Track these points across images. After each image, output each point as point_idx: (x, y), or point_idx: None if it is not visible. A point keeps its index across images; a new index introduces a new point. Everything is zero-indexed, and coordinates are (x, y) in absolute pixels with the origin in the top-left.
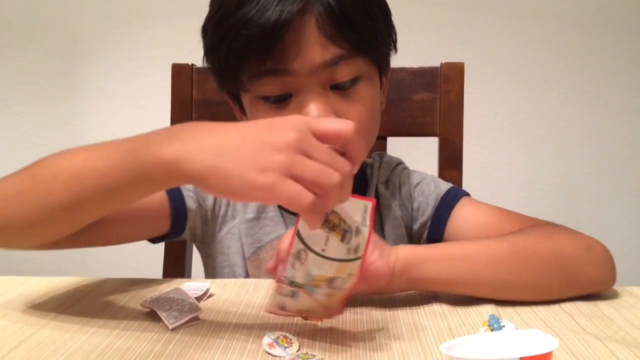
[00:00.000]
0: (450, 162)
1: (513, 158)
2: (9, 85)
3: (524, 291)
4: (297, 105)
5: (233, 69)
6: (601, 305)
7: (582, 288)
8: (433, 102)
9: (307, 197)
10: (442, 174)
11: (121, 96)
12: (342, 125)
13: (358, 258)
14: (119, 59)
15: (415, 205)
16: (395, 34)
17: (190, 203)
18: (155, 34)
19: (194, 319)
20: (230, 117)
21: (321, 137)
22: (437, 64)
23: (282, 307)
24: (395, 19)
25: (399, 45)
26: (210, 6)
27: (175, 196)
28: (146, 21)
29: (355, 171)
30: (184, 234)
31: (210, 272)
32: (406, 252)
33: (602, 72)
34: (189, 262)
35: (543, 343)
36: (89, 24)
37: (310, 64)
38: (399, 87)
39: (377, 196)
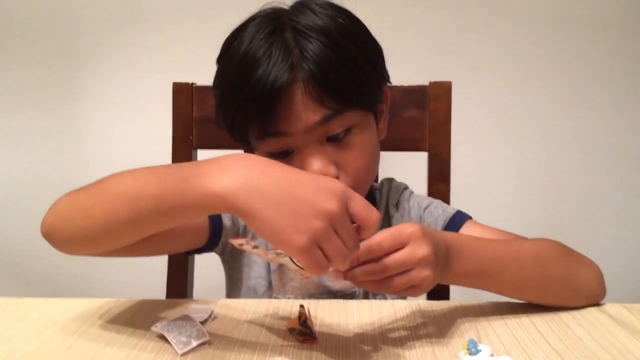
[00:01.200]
0: (439, 177)
1: (501, 160)
2: (10, 87)
3: (537, 295)
4: (299, 159)
5: (240, 135)
6: (572, 324)
7: (583, 300)
8: (422, 119)
9: (325, 269)
10: (431, 188)
11: (121, 99)
12: (371, 214)
13: None
14: (119, 62)
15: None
16: (387, 74)
17: (226, 221)
18: (155, 36)
19: (201, 345)
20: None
21: (351, 214)
22: (427, 82)
23: (240, 245)
24: (385, 39)
25: (389, 64)
26: (217, 66)
27: (214, 214)
28: (146, 25)
29: None
30: (216, 248)
31: (235, 283)
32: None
33: (589, 73)
34: (191, 276)
35: None
36: (89, 27)
37: (303, 126)
38: (390, 104)
39: (389, 217)
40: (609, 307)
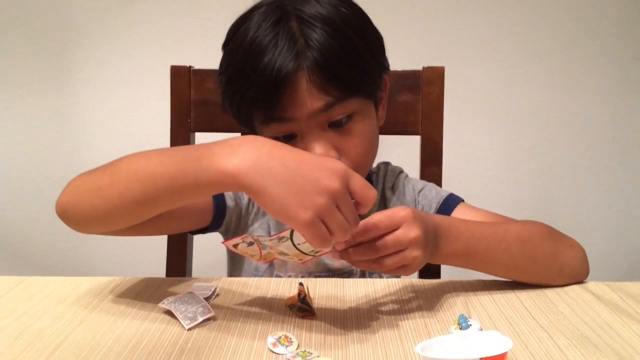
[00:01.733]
0: (431, 160)
1: (492, 144)
2: (2, 69)
3: (523, 274)
4: (302, 144)
5: (246, 120)
6: (556, 300)
7: (567, 278)
8: (415, 104)
9: (328, 242)
10: (424, 170)
11: (114, 81)
12: (369, 192)
13: (314, 255)
14: (111, 44)
15: (419, 208)
16: (387, 63)
17: (229, 201)
18: (150, 17)
19: (206, 320)
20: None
21: (351, 191)
22: (420, 67)
23: (235, 246)
24: (379, 24)
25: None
26: (222, 53)
27: (218, 195)
28: (141, 5)
29: None
30: (220, 228)
31: (237, 263)
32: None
33: (578, 59)
34: (190, 255)
35: (500, 344)
36: (82, 7)
37: (306, 112)
38: None
39: (385, 200)
40: (591, 285)
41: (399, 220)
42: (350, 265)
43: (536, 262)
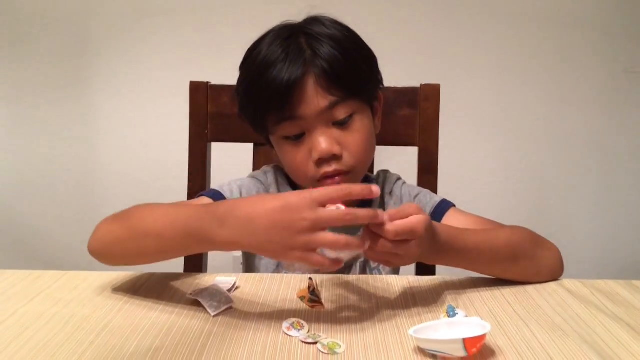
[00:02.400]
0: (428, 169)
1: (486, 154)
2: (23, 79)
3: (505, 274)
4: (310, 140)
5: (261, 120)
6: (535, 295)
7: (544, 276)
8: (413, 117)
9: (327, 263)
10: (421, 179)
11: (131, 91)
12: (337, 192)
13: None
14: (129, 55)
15: None
16: (380, 76)
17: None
18: (164, 30)
19: (228, 308)
20: (239, 127)
21: (329, 202)
22: (418, 84)
23: None
24: (380, 46)
25: (383, 68)
26: (239, 72)
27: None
28: (156, 18)
29: (359, 178)
30: None
31: (250, 262)
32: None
33: (568, 73)
34: (206, 255)
35: (480, 328)
36: (100, 20)
37: (314, 110)
38: (385, 104)
39: (384, 204)
40: (567, 282)
41: (415, 235)
42: (352, 259)
43: (518, 265)
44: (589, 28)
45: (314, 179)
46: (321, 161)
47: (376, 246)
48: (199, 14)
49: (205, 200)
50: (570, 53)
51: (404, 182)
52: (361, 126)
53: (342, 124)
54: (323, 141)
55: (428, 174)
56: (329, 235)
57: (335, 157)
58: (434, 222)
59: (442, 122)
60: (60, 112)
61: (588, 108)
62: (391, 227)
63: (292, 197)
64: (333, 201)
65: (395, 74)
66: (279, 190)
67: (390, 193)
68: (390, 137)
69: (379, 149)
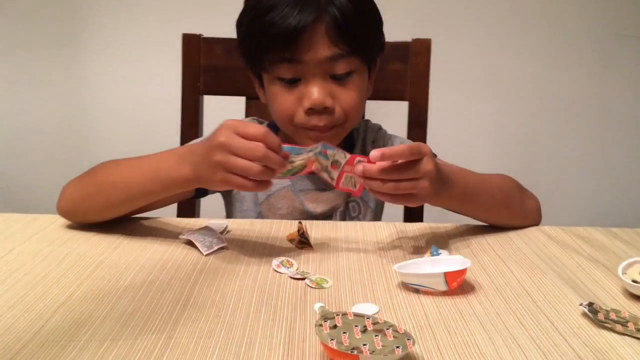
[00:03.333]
0: (417, 123)
1: (477, 111)
2: (11, 35)
3: (499, 218)
4: (304, 87)
5: (259, 56)
6: (515, 239)
7: (529, 222)
8: (404, 72)
9: (249, 184)
10: (410, 132)
11: (122, 45)
12: (256, 130)
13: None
14: (120, 9)
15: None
16: (384, 40)
17: None
18: None
19: (220, 249)
20: (232, 80)
21: (246, 136)
22: (409, 39)
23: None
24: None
25: None
26: (244, 4)
27: None
28: None
29: (345, 133)
30: (209, 192)
31: (229, 214)
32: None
33: (560, 34)
34: (198, 202)
35: (461, 263)
36: None
37: (317, 58)
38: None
39: (365, 152)
40: (547, 228)
41: (424, 153)
42: (331, 210)
43: (511, 208)
44: None
45: (299, 126)
46: (311, 111)
47: (391, 173)
48: None
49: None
50: (562, 15)
51: (386, 132)
52: (357, 85)
53: (339, 79)
54: (317, 91)
55: (417, 128)
56: (239, 161)
57: (327, 110)
58: (438, 159)
59: (433, 77)
60: (51, 67)
61: (579, 69)
62: (396, 147)
63: (218, 126)
64: (247, 133)
65: (387, 27)
66: None
67: (373, 142)
68: (381, 91)
69: (370, 103)
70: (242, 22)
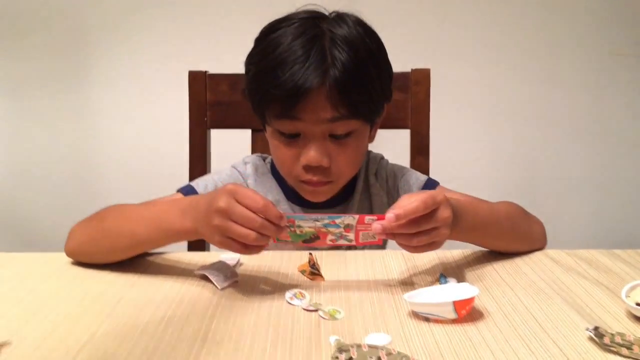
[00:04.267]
0: (419, 150)
1: (476, 136)
2: (20, 72)
3: (508, 245)
4: (303, 144)
5: (262, 109)
6: (520, 264)
7: (536, 247)
8: (405, 101)
9: (245, 251)
10: (413, 160)
11: (128, 83)
12: (254, 203)
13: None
14: (126, 47)
15: (401, 192)
16: (390, 92)
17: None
18: (160, 21)
19: (234, 282)
20: (237, 114)
21: (245, 205)
22: (409, 69)
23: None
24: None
25: None
26: (254, 46)
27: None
28: (152, 10)
29: (339, 188)
30: None
31: None
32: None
33: (554, 56)
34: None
35: (469, 291)
36: (97, 12)
37: (316, 118)
38: None
39: (368, 185)
40: (551, 252)
41: (439, 202)
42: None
43: (518, 235)
44: (574, 11)
45: (297, 178)
46: (308, 167)
47: (411, 241)
48: (194, 4)
49: (178, 196)
50: (556, 36)
51: (388, 162)
52: (355, 145)
53: (338, 138)
54: (314, 151)
55: (420, 156)
56: (237, 228)
57: (322, 168)
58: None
59: (433, 105)
60: (58, 105)
61: (574, 90)
62: (410, 205)
63: (219, 188)
64: (247, 204)
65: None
66: (257, 181)
67: (376, 174)
68: (383, 121)
69: None
70: (250, 68)
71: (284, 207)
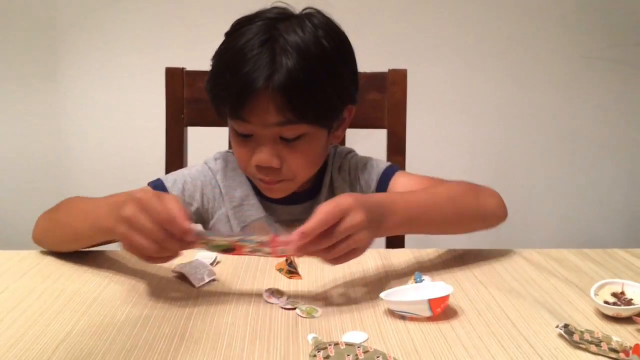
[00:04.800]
0: (396, 150)
1: (452, 135)
2: None
3: (455, 228)
4: (255, 144)
5: (219, 110)
6: (494, 263)
7: (491, 221)
8: (382, 101)
9: (148, 260)
10: (389, 159)
11: (103, 79)
12: (159, 215)
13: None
14: (97, 40)
15: (363, 183)
16: (355, 98)
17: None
18: (138, 17)
19: (212, 281)
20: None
21: (149, 214)
22: (386, 69)
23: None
24: (349, 32)
25: (355, 52)
26: (223, 40)
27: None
28: (128, 5)
29: (296, 186)
30: None
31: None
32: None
33: (531, 56)
34: None
35: (443, 290)
36: (69, 6)
37: (264, 122)
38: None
39: (332, 180)
40: (523, 251)
41: (346, 209)
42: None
43: (464, 215)
44: (546, 15)
45: (252, 175)
46: (259, 167)
47: (329, 254)
48: None
49: (147, 189)
50: (528, 39)
51: (354, 155)
52: (306, 148)
53: (288, 141)
54: (264, 153)
55: (397, 155)
56: (138, 239)
57: (273, 169)
58: (370, 195)
59: (409, 105)
60: (30, 101)
61: (547, 92)
62: (317, 215)
63: (135, 192)
64: (151, 215)
65: (364, 59)
66: (226, 176)
67: (339, 168)
68: (359, 121)
69: (349, 132)
70: (211, 65)
71: (253, 201)
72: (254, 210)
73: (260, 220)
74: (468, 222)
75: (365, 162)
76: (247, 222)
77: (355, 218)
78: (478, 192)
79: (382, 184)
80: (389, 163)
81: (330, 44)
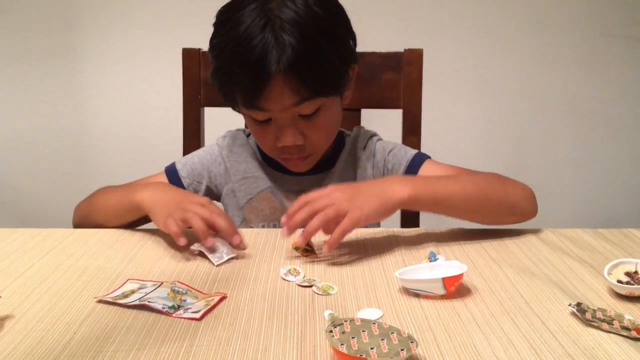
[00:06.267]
0: (412, 130)
1: (468, 115)
2: (10, 48)
3: (478, 215)
4: (275, 128)
5: (231, 102)
6: (508, 242)
7: (518, 215)
8: (398, 81)
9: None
10: (405, 139)
11: (121, 59)
12: (210, 216)
13: None
14: (119, 25)
15: (390, 166)
16: (356, 57)
17: (190, 189)
18: None
19: (231, 259)
20: None
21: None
22: (402, 49)
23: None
24: (365, 12)
25: (368, 33)
26: (212, 35)
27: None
28: None
29: (319, 156)
30: None
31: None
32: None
33: (547, 36)
34: None
35: (457, 268)
36: None
37: (281, 106)
38: (370, 68)
39: (355, 159)
40: (539, 231)
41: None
42: None
43: (490, 204)
44: None
45: (278, 156)
46: (285, 147)
47: (310, 227)
48: None
49: (162, 176)
50: (548, 17)
51: (380, 139)
52: (326, 118)
53: (308, 117)
54: (288, 135)
55: (412, 135)
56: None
57: (298, 146)
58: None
59: (425, 85)
60: (50, 81)
61: (566, 69)
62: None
63: (192, 197)
64: (207, 216)
65: (380, 38)
66: (231, 152)
67: (365, 148)
68: (375, 100)
69: (364, 112)
70: (212, 59)
71: (257, 173)
72: (260, 182)
73: (265, 191)
74: (494, 212)
75: (392, 146)
76: (252, 194)
77: (326, 189)
78: (507, 184)
79: (411, 170)
80: (417, 151)
81: (323, 9)
